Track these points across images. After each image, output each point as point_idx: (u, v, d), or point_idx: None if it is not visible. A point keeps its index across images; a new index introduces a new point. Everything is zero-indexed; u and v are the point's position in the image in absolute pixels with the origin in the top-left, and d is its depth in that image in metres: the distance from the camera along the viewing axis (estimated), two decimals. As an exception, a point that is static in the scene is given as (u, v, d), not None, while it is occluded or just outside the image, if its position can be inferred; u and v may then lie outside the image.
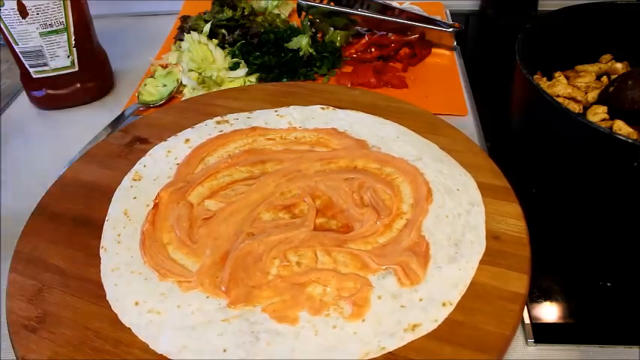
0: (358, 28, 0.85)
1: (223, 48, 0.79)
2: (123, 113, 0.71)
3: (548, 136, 0.53)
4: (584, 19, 0.64)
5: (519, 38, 0.58)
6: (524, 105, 0.58)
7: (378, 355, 0.39)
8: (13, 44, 0.69)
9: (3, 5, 0.65)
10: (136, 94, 0.74)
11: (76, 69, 0.73)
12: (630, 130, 0.55)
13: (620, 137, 0.45)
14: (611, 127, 0.55)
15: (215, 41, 0.78)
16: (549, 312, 0.47)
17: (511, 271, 0.44)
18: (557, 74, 0.65)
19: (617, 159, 0.46)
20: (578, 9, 0.64)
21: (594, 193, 0.50)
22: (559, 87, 0.62)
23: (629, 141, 0.44)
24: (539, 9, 0.93)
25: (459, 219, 0.49)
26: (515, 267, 0.44)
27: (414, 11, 0.85)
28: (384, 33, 0.83)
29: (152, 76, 0.77)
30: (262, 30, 0.81)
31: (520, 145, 0.60)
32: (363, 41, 0.82)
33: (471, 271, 0.44)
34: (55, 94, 0.74)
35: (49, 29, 0.68)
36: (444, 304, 0.42)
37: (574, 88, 0.62)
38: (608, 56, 0.67)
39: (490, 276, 0.44)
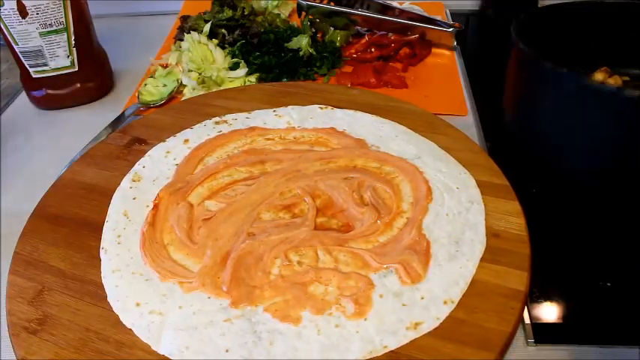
0: (358, 28, 0.85)
1: (223, 48, 0.79)
2: (123, 113, 0.71)
3: (544, 108, 0.52)
4: (583, 18, 0.64)
5: (515, 21, 0.58)
6: (520, 80, 0.57)
7: (381, 354, 0.39)
8: (13, 44, 0.69)
9: (3, 5, 0.65)
10: (136, 94, 0.74)
11: (76, 69, 0.73)
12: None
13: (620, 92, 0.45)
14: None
15: (215, 41, 0.78)
16: (549, 312, 0.47)
17: (511, 268, 0.44)
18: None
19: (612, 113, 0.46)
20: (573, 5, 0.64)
21: (594, 193, 0.50)
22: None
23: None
24: (539, 9, 0.93)
25: (458, 217, 0.49)
26: (515, 264, 0.44)
27: (414, 11, 0.85)
28: (384, 33, 0.83)
29: (152, 76, 0.77)
30: (262, 30, 0.81)
31: (517, 137, 0.60)
32: (363, 41, 0.82)
33: (472, 268, 0.44)
34: (55, 94, 0.74)
35: (49, 29, 0.68)
36: (445, 302, 0.42)
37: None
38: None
39: (491, 273, 0.44)
